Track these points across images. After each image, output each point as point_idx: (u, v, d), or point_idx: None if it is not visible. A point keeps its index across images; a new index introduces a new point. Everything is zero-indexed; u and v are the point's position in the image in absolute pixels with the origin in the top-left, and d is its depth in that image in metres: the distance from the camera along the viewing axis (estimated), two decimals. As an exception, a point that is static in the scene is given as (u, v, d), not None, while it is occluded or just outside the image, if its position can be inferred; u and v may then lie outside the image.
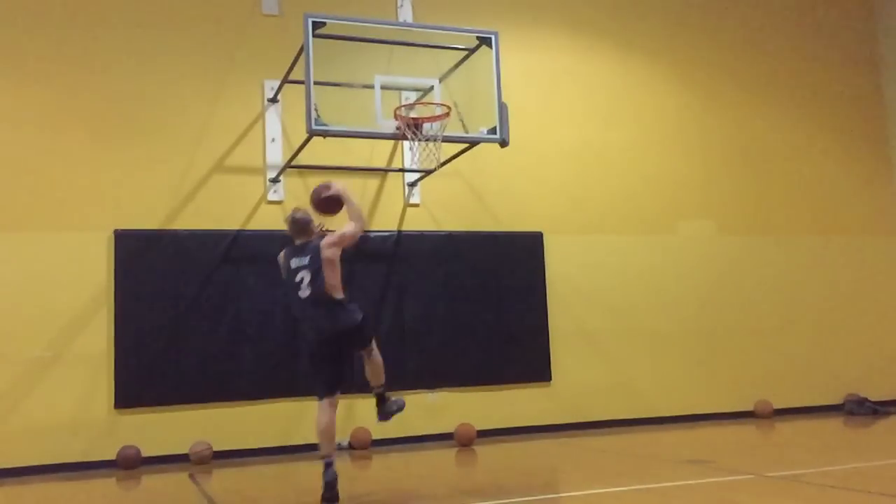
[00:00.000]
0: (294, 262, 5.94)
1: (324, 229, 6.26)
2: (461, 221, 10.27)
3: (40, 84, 9.05)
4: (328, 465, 5.77)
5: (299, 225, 6.05)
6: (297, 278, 5.88)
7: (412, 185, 10.14)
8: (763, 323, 11.31)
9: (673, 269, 11.07)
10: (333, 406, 5.87)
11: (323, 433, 5.83)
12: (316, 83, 7.65)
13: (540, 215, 10.58)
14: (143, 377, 8.81)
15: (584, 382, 10.38)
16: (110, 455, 8.55)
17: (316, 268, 5.81)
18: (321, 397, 5.86)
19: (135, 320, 8.86)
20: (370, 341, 6.06)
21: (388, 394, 6.26)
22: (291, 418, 9.27)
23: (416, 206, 10.16)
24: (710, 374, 10.98)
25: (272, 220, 9.56)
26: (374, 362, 6.11)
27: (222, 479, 7.66)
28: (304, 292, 5.86)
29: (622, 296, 10.75)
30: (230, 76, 9.65)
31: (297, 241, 6.04)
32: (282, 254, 6.12)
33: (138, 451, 8.56)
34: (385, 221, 10.00)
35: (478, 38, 8.45)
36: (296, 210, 6.15)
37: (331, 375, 5.88)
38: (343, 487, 5.83)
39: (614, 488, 6.04)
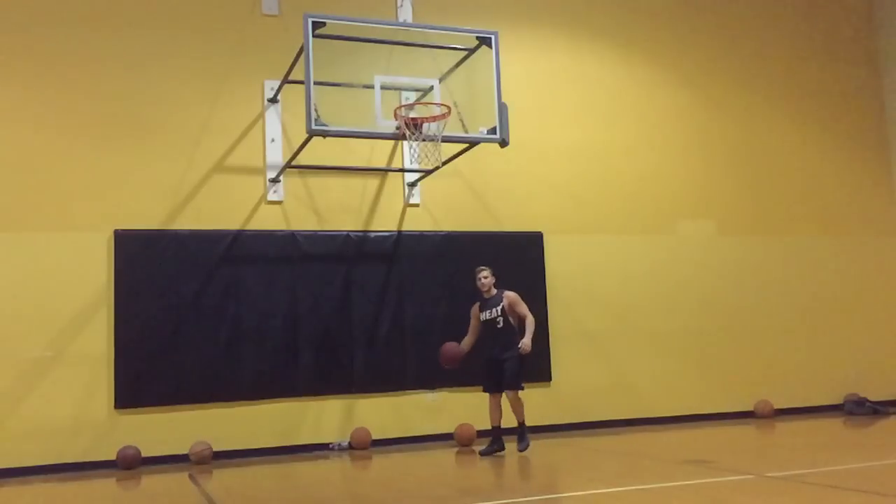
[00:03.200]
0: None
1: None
2: (461, 221, 10.28)
3: (40, 84, 9.05)
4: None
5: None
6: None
7: (412, 185, 10.15)
8: (763, 323, 11.31)
9: (673, 269, 11.07)
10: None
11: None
12: (316, 83, 7.65)
13: (540, 215, 10.58)
14: (143, 377, 8.81)
15: (584, 382, 10.39)
16: (110, 455, 8.56)
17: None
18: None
19: (135, 320, 8.86)
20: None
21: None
22: (291, 418, 9.28)
23: (416, 206, 10.17)
24: (710, 374, 10.98)
25: (272, 220, 9.58)
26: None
27: (222, 479, 7.66)
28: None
29: (622, 296, 10.76)
30: (230, 76, 9.65)
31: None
32: None
33: (138, 452, 8.56)
34: (385, 221, 10.00)
35: (477, 38, 8.45)
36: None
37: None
38: (343, 487, 5.83)
39: (614, 488, 6.04)
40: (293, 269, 9.51)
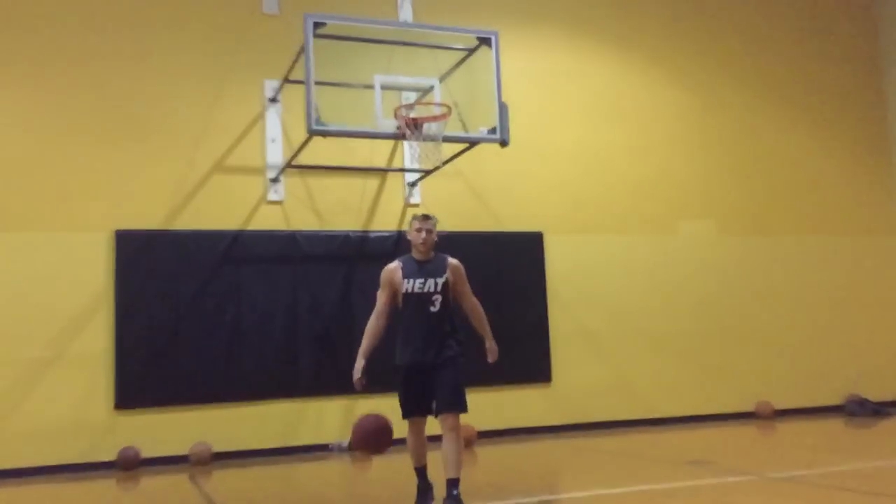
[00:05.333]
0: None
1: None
2: (461, 221, 10.26)
3: (40, 84, 9.05)
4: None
5: None
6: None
7: (412, 185, 10.14)
8: (763, 323, 11.30)
9: (673, 270, 11.06)
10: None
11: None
12: (316, 83, 7.65)
13: (540, 215, 10.57)
14: (143, 378, 8.81)
15: (584, 382, 10.38)
16: (110, 456, 8.55)
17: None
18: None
19: (135, 320, 8.86)
20: None
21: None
22: (291, 419, 9.27)
23: (416, 206, 10.15)
24: (710, 375, 10.97)
25: (272, 220, 9.57)
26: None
27: (222, 480, 7.65)
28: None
29: (622, 296, 10.75)
30: (230, 76, 9.65)
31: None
32: None
33: (138, 452, 8.56)
34: (385, 221, 9.99)
35: (478, 38, 8.45)
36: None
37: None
38: (343, 487, 5.82)
39: (614, 489, 6.04)
40: (293, 269, 9.51)
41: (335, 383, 9.47)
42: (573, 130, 10.95)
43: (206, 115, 9.52)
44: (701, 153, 11.51)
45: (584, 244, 10.73)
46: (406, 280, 5.33)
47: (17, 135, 8.93)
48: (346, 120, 8.06)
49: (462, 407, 5.36)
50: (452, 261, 5.46)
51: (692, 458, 7.44)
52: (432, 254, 5.44)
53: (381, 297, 5.42)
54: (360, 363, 5.40)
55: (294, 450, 9.14)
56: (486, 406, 9.86)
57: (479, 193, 10.41)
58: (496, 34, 8.39)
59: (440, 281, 5.35)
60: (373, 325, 5.43)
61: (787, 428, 9.92)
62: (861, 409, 10.92)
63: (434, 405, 5.35)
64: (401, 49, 8.68)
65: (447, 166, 8.79)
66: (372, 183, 10.05)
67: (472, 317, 5.54)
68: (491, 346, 5.54)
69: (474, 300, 5.52)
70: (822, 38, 12.36)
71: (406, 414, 5.44)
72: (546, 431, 9.97)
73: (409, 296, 5.34)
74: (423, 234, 5.37)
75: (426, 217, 5.46)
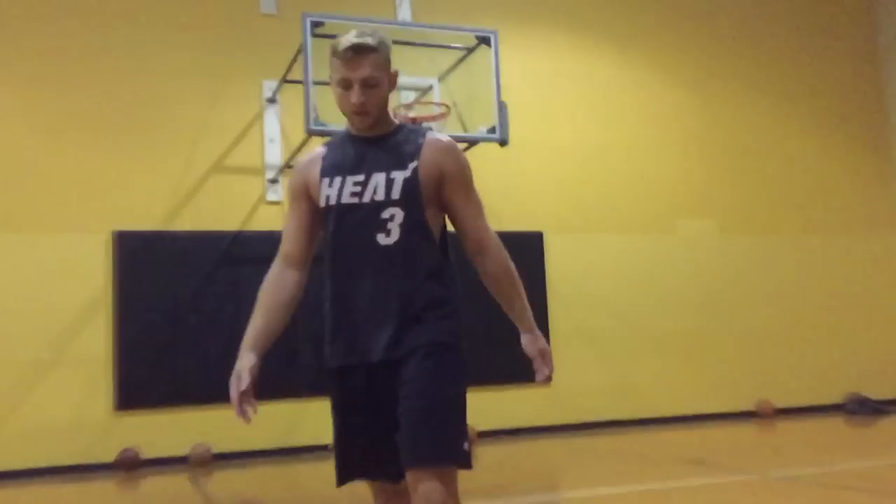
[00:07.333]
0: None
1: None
2: (461, 221, 10.24)
3: (40, 84, 9.04)
4: None
5: None
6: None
7: (412, 185, 10.12)
8: (764, 322, 11.29)
9: (673, 269, 11.05)
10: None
11: None
12: (315, 83, 7.63)
13: (540, 215, 10.56)
14: (142, 378, 8.80)
15: (584, 382, 10.36)
16: (110, 457, 8.53)
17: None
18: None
19: (135, 321, 8.85)
20: None
21: None
22: (291, 419, 9.26)
23: (415, 206, 10.14)
24: (710, 374, 10.96)
25: (271, 220, 9.55)
26: None
27: (222, 481, 7.65)
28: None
29: (622, 296, 10.73)
30: (229, 76, 9.64)
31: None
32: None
33: (138, 453, 8.55)
34: (385, 221, 9.97)
35: (477, 37, 8.43)
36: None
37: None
38: (343, 487, 5.80)
39: (614, 488, 6.03)
40: (293, 270, 9.49)
41: (335, 383, 9.49)
42: (573, 130, 10.93)
43: (205, 116, 9.51)
44: (701, 153, 11.50)
45: (584, 244, 10.72)
46: (324, 179, 2.75)
47: (16, 135, 8.92)
48: (345, 120, 8.04)
49: (449, 452, 2.82)
50: (437, 139, 2.84)
51: (692, 457, 7.44)
52: (394, 124, 2.84)
53: (285, 231, 2.85)
54: (243, 361, 2.85)
55: (294, 450, 9.13)
56: (486, 405, 9.86)
57: (479, 193, 10.38)
58: (495, 33, 8.37)
59: (401, 177, 2.71)
60: (268, 288, 3.00)
61: (787, 427, 9.91)
62: (861, 408, 10.91)
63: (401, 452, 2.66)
64: (399, 48, 8.63)
65: (446, 166, 8.77)
66: (371, 183, 10.03)
67: (486, 273, 2.97)
68: (535, 342, 3.04)
69: (492, 235, 2.94)
70: (821, 37, 12.35)
71: (343, 477, 2.87)
72: (546, 431, 9.96)
73: (331, 212, 2.72)
74: (356, 91, 2.81)
75: (360, 48, 2.70)
